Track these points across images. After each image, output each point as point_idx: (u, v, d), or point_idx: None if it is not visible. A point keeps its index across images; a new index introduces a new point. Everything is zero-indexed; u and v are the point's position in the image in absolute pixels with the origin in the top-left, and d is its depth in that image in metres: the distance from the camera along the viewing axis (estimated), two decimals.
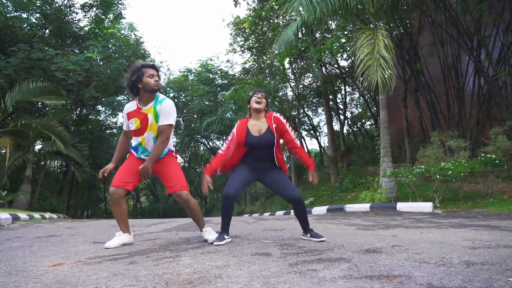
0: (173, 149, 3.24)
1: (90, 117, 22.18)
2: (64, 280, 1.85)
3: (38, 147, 14.37)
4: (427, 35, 12.74)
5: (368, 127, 26.64)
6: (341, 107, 23.50)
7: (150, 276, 1.91)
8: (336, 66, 20.49)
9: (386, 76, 6.96)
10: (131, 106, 3.07)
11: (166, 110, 2.98)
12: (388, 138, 9.00)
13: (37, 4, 12.77)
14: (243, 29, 20.59)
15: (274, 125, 3.14)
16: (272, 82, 17.57)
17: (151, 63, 3.07)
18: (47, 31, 13.95)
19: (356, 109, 28.27)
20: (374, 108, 20.68)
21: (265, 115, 3.24)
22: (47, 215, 8.82)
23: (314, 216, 7.12)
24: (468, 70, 11.58)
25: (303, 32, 14.00)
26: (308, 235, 3.12)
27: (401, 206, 7.17)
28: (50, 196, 18.64)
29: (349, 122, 27.62)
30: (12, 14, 13.40)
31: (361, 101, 26.02)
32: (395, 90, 15.84)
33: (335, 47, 10.90)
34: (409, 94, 14.04)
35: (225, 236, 3.02)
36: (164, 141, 2.97)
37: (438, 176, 7.29)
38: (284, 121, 3.23)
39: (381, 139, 9.11)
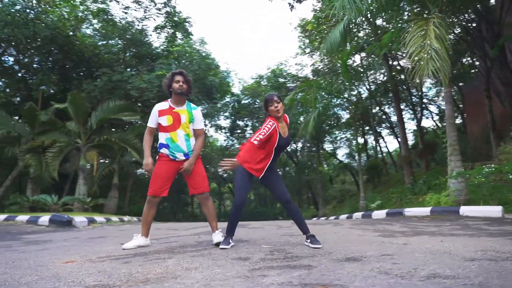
0: None
1: None
2: (57, 274, 2.23)
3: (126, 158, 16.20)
4: (510, 16, 11.20)
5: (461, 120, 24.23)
6: (421, 101, 21.76)
7: (122, 274, 2.19)
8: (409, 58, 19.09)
9: (438, 69, 6.39)
10: (163, 105, 3.49)
11: (200, 116, 3.58)
12: (455, 135, 8.18)
13: (118, 33, 14.57)
14: (309, 31, 20.50)
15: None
16: (339, 82, 17.10)
17: (180, 70, 3.57)
18: (127, 54, 15.79)
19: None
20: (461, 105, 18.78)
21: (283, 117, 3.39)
22: (126, 218, 9.94)
23: (360, 221, 6.85)
24: None
25: (363, 26, 13.45)
26: (309, 240, 3.12)
27: (465, 210, 6.48)
28: (140, 201, 20.85)
29: (435, 118, 25.43)
30: (100, 43, 15.52)
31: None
32: (479, 81, 14.23)
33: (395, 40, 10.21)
34: (492, 85, 12.47)
35: (230, 240, 3.20)
36: (203, 142, 3.57)
37: (511, 176, 6.45)
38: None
39: (447, 136, 8.33)
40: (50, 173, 10.62)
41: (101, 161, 13.74)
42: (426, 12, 8.11)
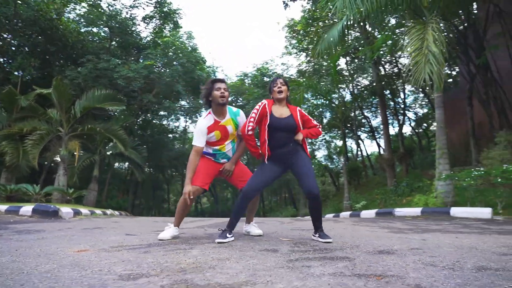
0: None
1: (153, 121, 23.74)
2: (77, 263, 2.05)
3: (107, 150, 15.70)
4: (495, 27, 11.62)
5: (435, 128, 24.91)
6: (402, 107, 22.33)
7: (152, 263, 2.04)
8: (395, 64, 19.57)
9: (435, 72, 6.50)
10: (208, 121, 3.21)
11: (245, 119, 3.30)
12: (445, 139, 8.37)
13: (104, 19, 14.08)
14: (297, 31, 20.58)
15: (298, 115, 3.10)
16: (327, 84, 17.30)
17: (220, 78, 3.34)
18: (113, 43, 15.29)
19: (421, 109, 26.69)
20: None
21: (287, 105, 3.17)
22: (108, 211, 9.58)
23: (356, 219, 6.88)
24: None
25: (355, 30, 13.63)
26: (317, 235, 3.02)
27: (456, 211, 6.62)
28: (117, 195, 20.29)
29: (412, 124, 26.14)
30: (84, 29, 14.94)
31: (426, 101, 24.52)
32: (460, 88, 14.70)
33: (388, 44, 10.39)
34: (475, 92, 12.91)
35: (228, 235, 2.97)
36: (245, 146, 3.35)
37: (499, 180, 6.63)
38: (306, 113, 3.21)
39: (436, 140, 8.52)
40: (28, 161, 10.04)
41: (81, 153, 13.17)
42: (423, 17, 8.27)
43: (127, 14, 14.99)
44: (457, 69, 15.82)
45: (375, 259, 2.12)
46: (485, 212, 6.16)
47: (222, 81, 3.24)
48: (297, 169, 3.03)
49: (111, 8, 14.53)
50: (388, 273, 1.75)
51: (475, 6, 12.14)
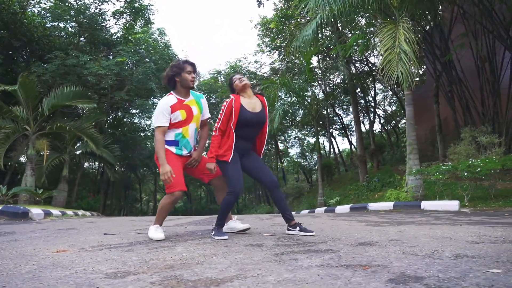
0: None
1: (124, 120, 23.17)
2: (59, 263, 1.99)
3: (76, 149, 15.18)
4: (459, 27, 12.18)
5: (404, 125, 25.84)
6: (372, 105, 22.97)
7: (137, 261, 2.00)
8: (365, 63, 20.09)
9: (407, 70, 6.74)
10: (171, 100, 3.04)
11: (207, 104, 3.31)
12: (415, 135, 8.70)
13: (72, 14, 13.57)
14: (270, 29, 20.66)
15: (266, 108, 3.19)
16: (300, 81, 17.51)
17: (191, 61, 3.13)
18: (81, 38, 14.78)
19: (390, 107, 27.52)
20: None
21: (256, 96, 3.18)
22: (80, 212, 9.30)
23: (332, 214, 7.03)
24: (504, 62, 10.95)
25: (327, 29, 13.86)
26: (297, 228, 3.04)
27: (426, 204, 6.92)
28: (88, 195, 19.64)
29: (382, 121, 26.92)
30: (50, 24, 14.34)
31: (394, 98, 25.31)
32: (426, 86, 15.32)
33: (360, 43, 10.66)
34: (440, 90, 13.48)
35: (223, 231, 3.05)
36: (208, 132, 3.35)
37: (466, 174, 6.97)
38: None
39: (407, 136, 8.84)
40: None
41: (47, 152, 12.65)
42: (393, 17, 8.54)
43: (96, 9, 14.52)
44: (424, 68, 16.48)
45: (358, 251, 2.19)
46: (453, 204, 6.48)
47: (193, 64, 3.13)
48: (253, 163, 3.11)
49: (79, 3, 14.02)
50: (373, 263, 1.81)
51: (440, 7, 12.66)
